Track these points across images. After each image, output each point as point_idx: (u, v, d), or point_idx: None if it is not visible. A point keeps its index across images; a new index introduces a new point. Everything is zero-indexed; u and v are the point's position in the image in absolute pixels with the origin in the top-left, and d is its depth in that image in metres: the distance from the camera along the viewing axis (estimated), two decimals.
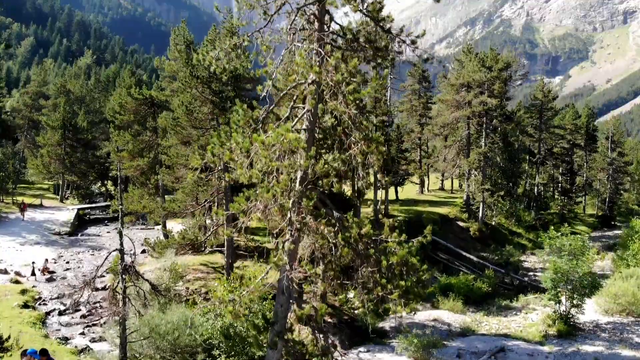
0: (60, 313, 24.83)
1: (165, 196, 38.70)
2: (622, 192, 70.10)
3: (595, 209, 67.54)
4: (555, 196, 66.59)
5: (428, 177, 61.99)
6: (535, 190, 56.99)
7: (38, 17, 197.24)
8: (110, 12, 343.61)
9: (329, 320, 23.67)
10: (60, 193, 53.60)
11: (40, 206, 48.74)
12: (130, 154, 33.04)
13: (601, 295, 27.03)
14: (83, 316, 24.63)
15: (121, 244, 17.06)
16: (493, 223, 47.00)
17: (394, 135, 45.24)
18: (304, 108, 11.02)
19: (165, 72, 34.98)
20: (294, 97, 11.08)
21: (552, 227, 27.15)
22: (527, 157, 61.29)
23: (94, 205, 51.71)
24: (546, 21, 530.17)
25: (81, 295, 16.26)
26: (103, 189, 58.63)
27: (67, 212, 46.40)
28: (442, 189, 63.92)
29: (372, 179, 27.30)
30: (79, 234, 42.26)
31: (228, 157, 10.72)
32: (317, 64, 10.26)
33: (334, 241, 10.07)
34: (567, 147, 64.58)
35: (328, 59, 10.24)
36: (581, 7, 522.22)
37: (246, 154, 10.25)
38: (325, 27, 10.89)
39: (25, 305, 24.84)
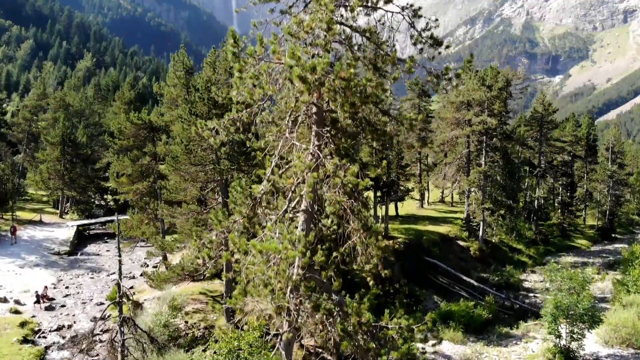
0: (60, 347, 24.79)
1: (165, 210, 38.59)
2: (622, 202, 69.90)
3: (595, 220, 67.38)
4: (556, 205, 66.43)
5: (428, 190, 61.81)
6: (536, 203, 56.88)
7: (38, 19, 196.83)
8: (110, 12, 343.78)
9: (329, 358, 23.61)
10: (59, 208, 53.52)
11: (40, 222, 48.60)
12: (130, 179, 32.92)
13: (601, 325, 26.89)
14: (82, 351, 24.59)
15: (120, 297, 17.03)
16: (494, 240, 46.94)
17: (394, 153, 45.07)
18: (302, 188, 10.94)
19: (164, 98, 34.84)
20: (292, 188, 10.95)
21: (553, 261, 26.99)
22: (527, 169, 61.16)
23: (93, 220, 51.59)
24: (546, 20, 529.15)
25: (80, 351, 16.25)
26: (102, 202, 58.54)
27: (66, 230, 46.24)
28: (442, 201, 63.77)
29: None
30: (79, 253, 42.20)
31: (226, 259, 10.67)
32: (315, 167, 10.18)
33: (332, 330, 10.03)
34: (567, 160, 64.42)
35: (326, 163, 10.19)
36: (581, 6, 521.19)
37: (244, 255, 10.19)
38: (324, 115, 10.81)
39: (25, 340, 24.81)
